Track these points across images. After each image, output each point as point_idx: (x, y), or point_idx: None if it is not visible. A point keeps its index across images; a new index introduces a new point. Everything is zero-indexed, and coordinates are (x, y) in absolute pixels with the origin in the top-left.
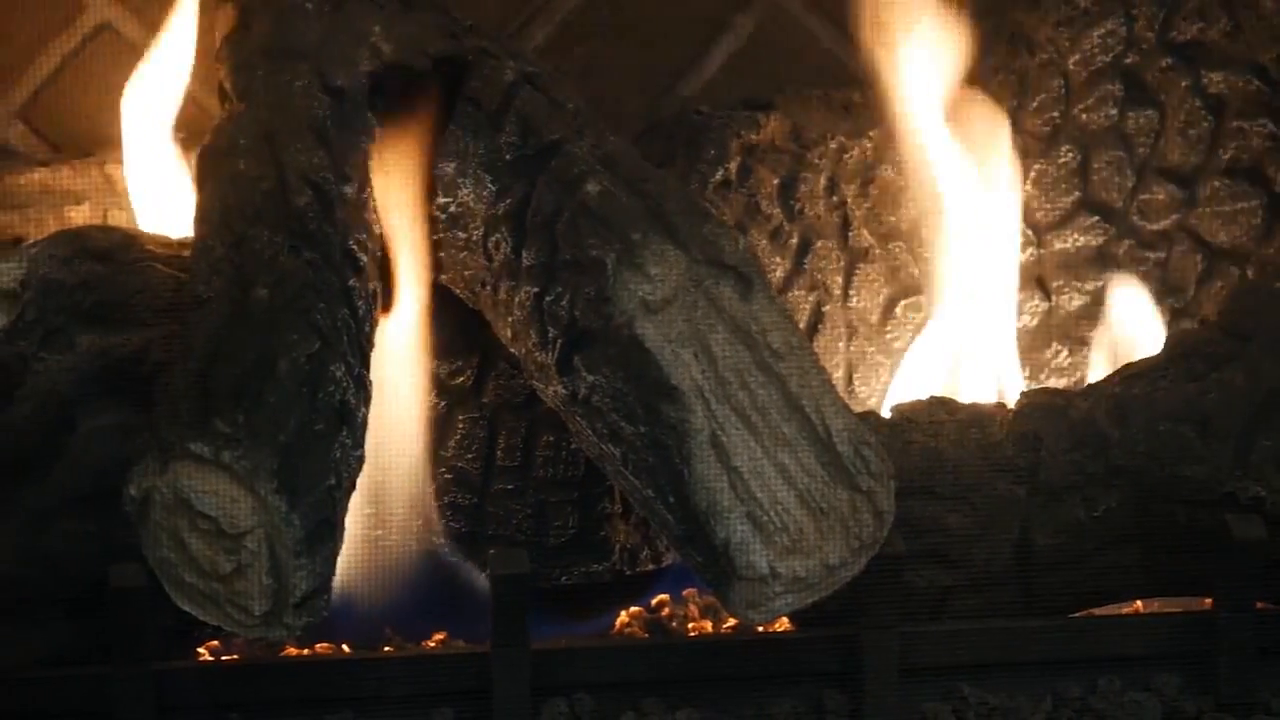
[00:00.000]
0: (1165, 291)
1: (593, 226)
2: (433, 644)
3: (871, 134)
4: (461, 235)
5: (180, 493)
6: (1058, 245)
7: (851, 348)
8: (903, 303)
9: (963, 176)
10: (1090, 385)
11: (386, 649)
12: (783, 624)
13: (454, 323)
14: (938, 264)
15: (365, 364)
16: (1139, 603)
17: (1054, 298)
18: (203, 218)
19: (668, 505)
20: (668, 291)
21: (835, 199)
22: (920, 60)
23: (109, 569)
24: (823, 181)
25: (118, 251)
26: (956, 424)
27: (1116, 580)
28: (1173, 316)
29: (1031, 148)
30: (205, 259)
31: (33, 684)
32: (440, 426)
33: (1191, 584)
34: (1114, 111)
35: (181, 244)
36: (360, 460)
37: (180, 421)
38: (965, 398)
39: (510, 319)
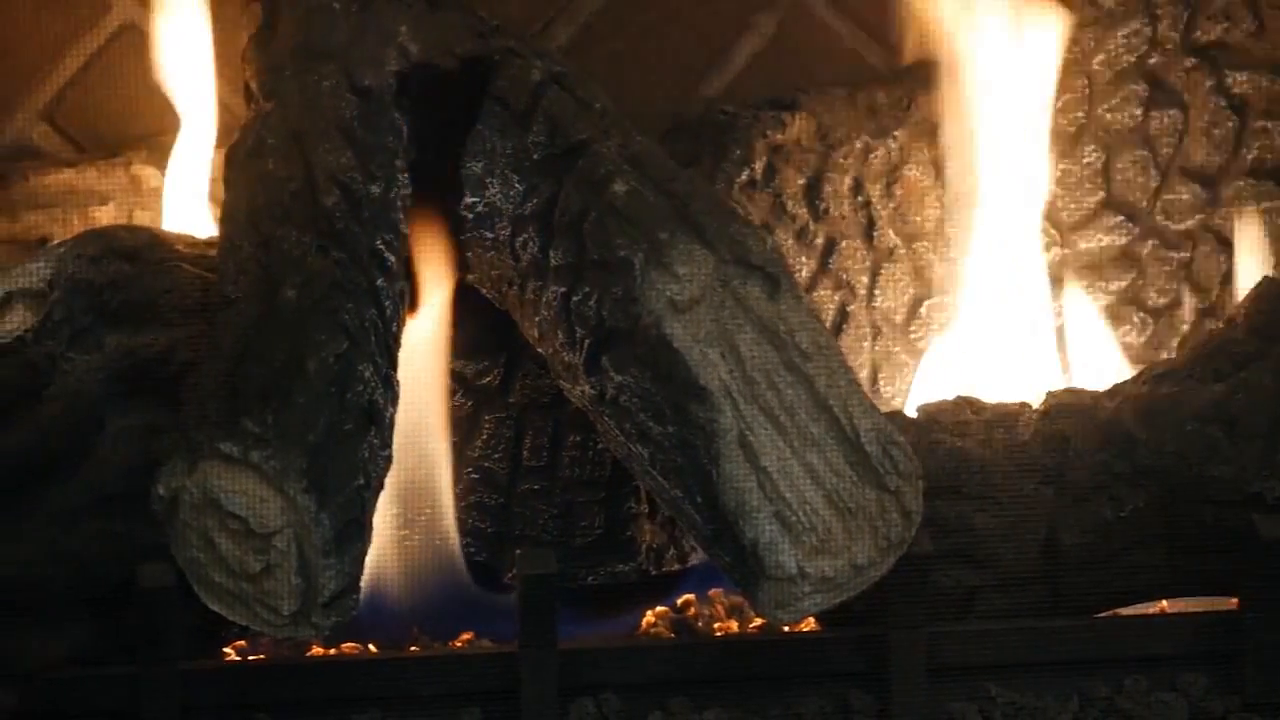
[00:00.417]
0: (1189, 291)
1: (620, 226)
2: (460, 644)
3: (897, 134)
4: (488, 235)
5: (209, 492)
6: (1082, 245)
7: (876, 347)
8: (927, 303)
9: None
10: (1116, 385)
11: (413, 648)
12: (809, 624)
13: (480, 323)
14: (961, 262)
15: (393, 364)
16: (1165, 602)
17: None
18: (230, 217)
19: (695, 505)
20: (695, 291)
21: (860, 199)
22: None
23: (137, 569)
24: (848, 181)
25: (145, 251)
26: (983, 424)
27: (1143, 580)
28: (1198, 317)
29: (1056, 148)
30: (233, 259)
31: (60, 684)
32: (467, 426)
33: (1218, 584)
34: (1138, 112)
35: (208, 244)
36: (388, 460)
37: (209, 421)
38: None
39: (537, 319)
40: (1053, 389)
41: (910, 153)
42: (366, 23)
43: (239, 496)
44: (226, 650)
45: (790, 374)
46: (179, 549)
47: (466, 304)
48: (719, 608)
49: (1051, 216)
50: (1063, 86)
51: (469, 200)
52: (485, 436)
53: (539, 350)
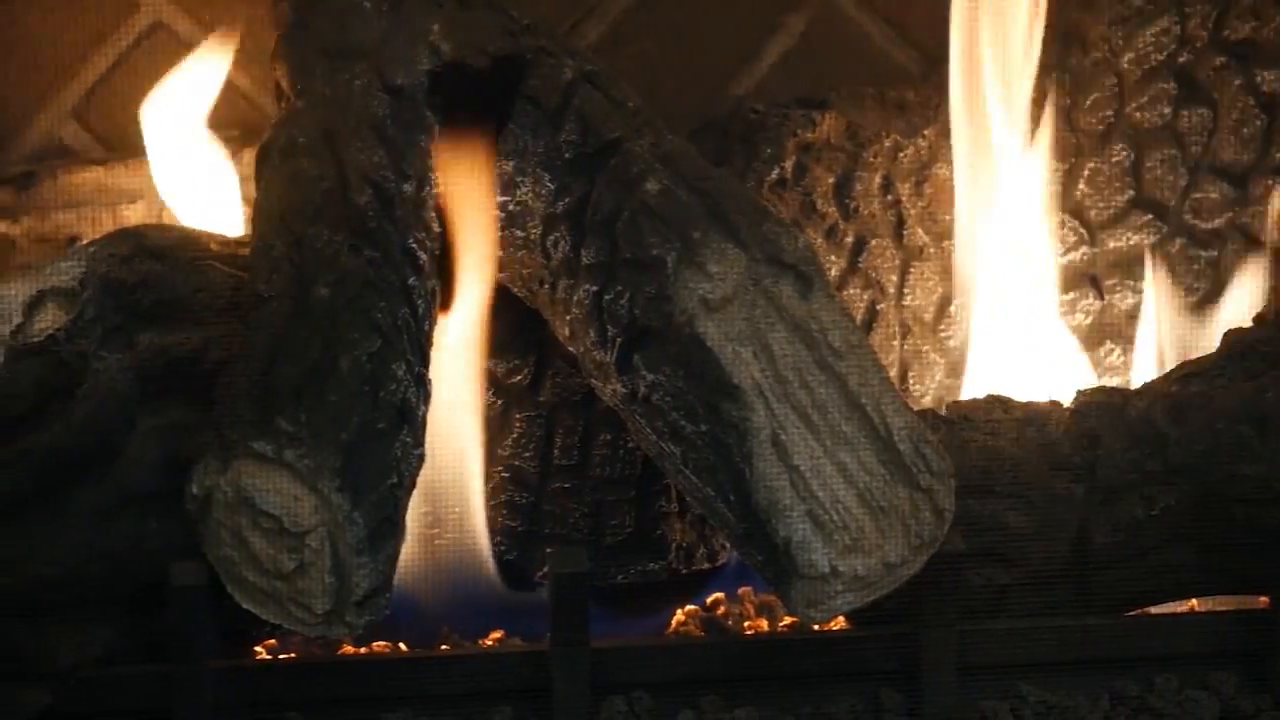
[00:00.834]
0: (1217, 290)
1: (653, 225)
2: (490, 642)
3: (926, 133)
4: (520, 234)
5: (242, 491)
6: (1111, 244)
7: (906, 346)
8: (956, 301)
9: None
10: (1146, 384)
11: (444, 647)
12: (839, 622)
13: (511, 321)
14: (981, 262)
15: (425, 362)
16: (1195, 601)
17: (1107, 296)
18: (262, 216)
19: (728, 504)
20: (728, 290)
21: (890, 198)
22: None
23: (169, 567)
24: (878, 180)
25: (176, 250)
26: (1014, 422)
27: (1174, 578)
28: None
29: (1085, 146)
30: (265, 258)
31: (92, 682)
32: (497, 425)
33: (1249, 582)
34: (1167, 110)
35: (239, 242)
36: (421, 459)
37: (242, 420)
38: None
39: (568, 317)
40: (1083, 387)
41: (939, 151)
42: (398, 22)
43: (272, 495)
44: (257, 649)
45: (822, 372)
46: (212, 548)
47: (497, 303)
48: (749, 606)
49: (1081, 215)
50: (1092, 84)
51: (500, 199)
52: (516, 435)
53: (570, 349)
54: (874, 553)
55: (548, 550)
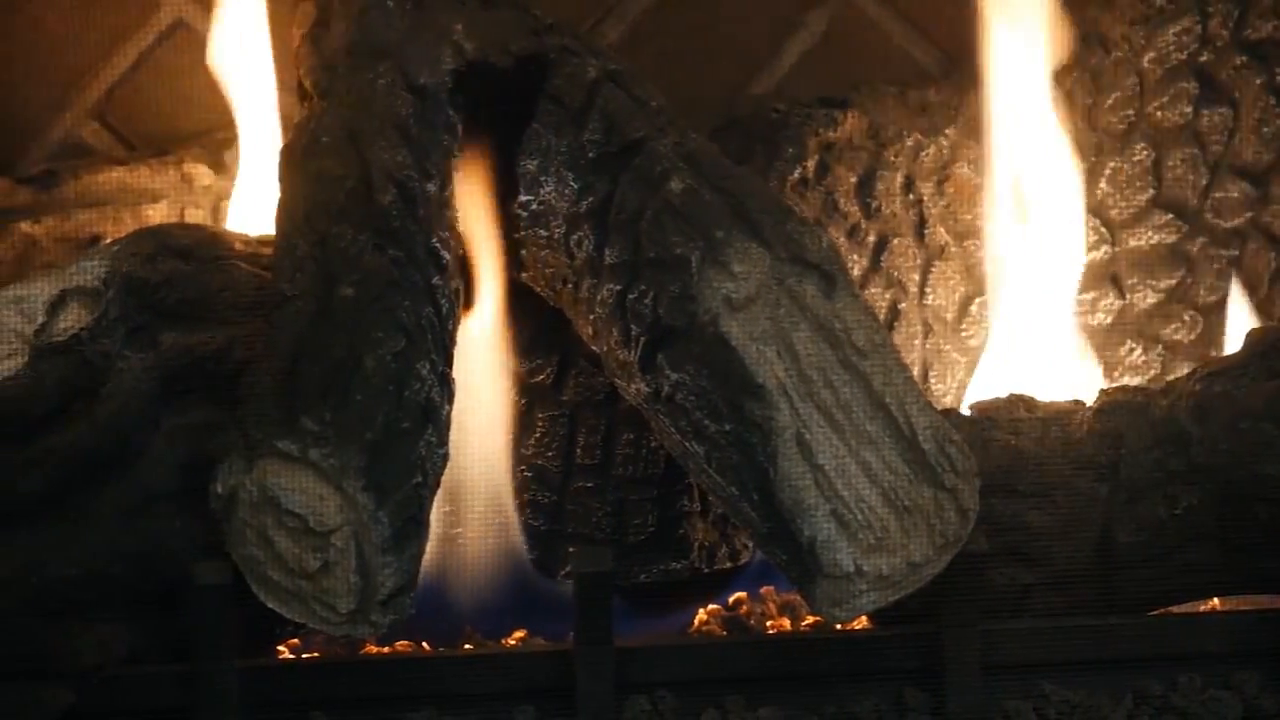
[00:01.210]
0: (1239, 289)
1: (676, 224)
2: (513, 642)
3: (948, 132)
4: (543, 233)
5: (267, 490)
6: (1132, 243)
7: (928, 345)
8: (978, 300)
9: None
10: (1169, 383)
11: (467, 646)
12: (862, 622)
13: (534, 320)
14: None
15: (448, 362)
16: (1216, 600)
17: (1128, 295)
18: (285, 215)
19: (752, 503)
20: (751, 289)
21: (912, 197)
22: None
23: (194, 566)
24: (899, 179)
25: (199, 249)
26: (1037, 421)
27: (1197, 578)
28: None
29: (1106, 145)
30: (289, 257)
31: (117, 682)
32: (520, 424)
33: (1272, 581)
34: (1188, 109)
35: (261, 241)
36: (445, 458)
37: (267, 419)
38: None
39: (592, 316)
40: (1105, 386)
41: (961, 151)
42: (421, 21)
43: (297, 494)
44: (280, 648)
45: (846, 372)
46: (236, 547)
47: (520, 302)
48: (771, 605)
49: (1101, 214)
50: (1113, 84)
51: (524, 198)
52: (538, 434)
53: (593, 348)
54: (898, 552)
55: (570, 549)
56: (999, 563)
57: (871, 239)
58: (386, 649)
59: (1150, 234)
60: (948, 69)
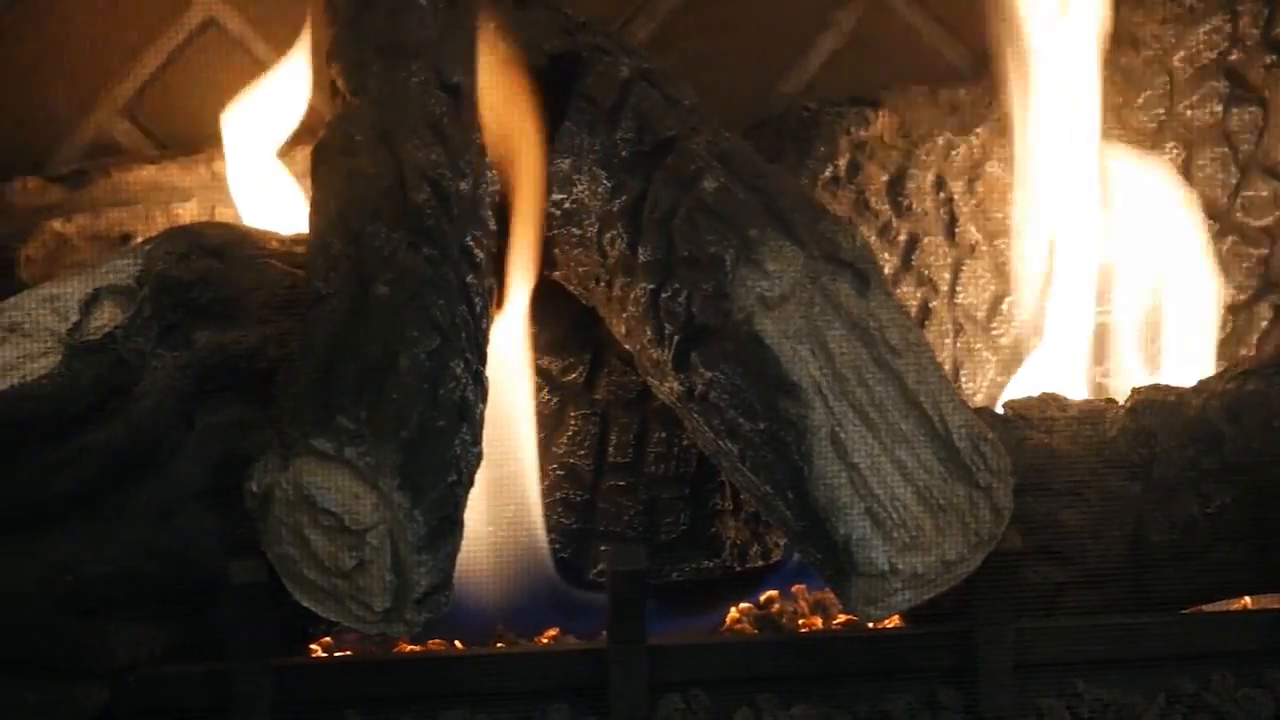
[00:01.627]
0: (1268, 288)
1: (710, 223)
2: (547, 640)
3: (978, 131)
4: (576, 231)
5: (302, 489)
6: None
7: (959, 344)
8: (1009, 299)
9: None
10: (1202, 382)
11: (499, 645)
12: (894, 620)
13: (567, 319)
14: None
15: (482, 360)
16: (1248, 599)
17: None
18: (319, 214)
19: (786, 501)
20: (785, 288)
21: (943, 195)
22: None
23: (229, 565)
24: (930, 178)
25: (232, 247)
26: (1070, 420)
27: (1229, 576)
28: (1277, 314)
29: (1136, 144)
30: (323, 255)
31: (152, 680)
32: (552, 423)
33: None
34: (1218, 108)
35: (294, 240)
36: (479, 456)
37: (302, 418)
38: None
39: (625, 315)
40: (1138, 385)
41: (992, 149)
42: (454, 19)
43: (333, 493)
44: (314, 647)
45: (880, 370)
46: (271, 545)
47: (552, 301)
48: (803, 604)
49: None
50: (1143, 83)
51: (556, 197)
52: (570, 433)
53: (625, 347)
54: (932, 550)
55: (603, 548)
56: (1032, 561)
57: (902, 237)
58: (419, 648)
59: None
60: (978, 68)
